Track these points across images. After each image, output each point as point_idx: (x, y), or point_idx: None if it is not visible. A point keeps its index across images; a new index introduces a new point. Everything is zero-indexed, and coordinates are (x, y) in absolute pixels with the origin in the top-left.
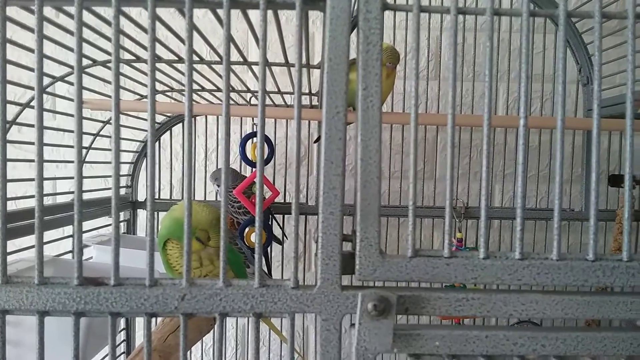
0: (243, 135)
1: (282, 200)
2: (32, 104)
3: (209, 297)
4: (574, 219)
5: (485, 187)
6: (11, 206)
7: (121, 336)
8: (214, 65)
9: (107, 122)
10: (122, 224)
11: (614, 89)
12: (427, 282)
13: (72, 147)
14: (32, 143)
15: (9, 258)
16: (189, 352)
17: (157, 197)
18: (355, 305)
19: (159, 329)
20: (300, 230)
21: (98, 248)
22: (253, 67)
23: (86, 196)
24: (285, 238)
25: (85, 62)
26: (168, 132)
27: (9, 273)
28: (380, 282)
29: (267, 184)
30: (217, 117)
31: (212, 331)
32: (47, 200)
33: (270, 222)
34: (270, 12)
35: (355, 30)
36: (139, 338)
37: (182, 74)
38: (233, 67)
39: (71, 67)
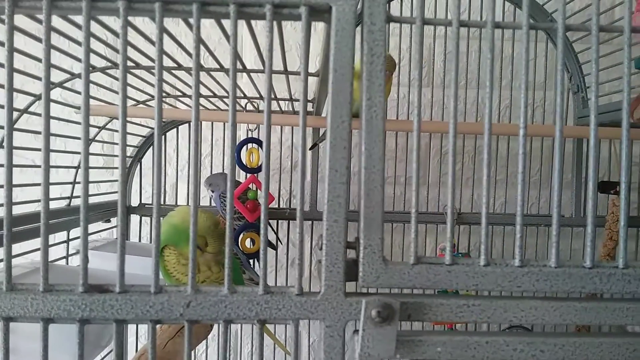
0: (238, 141)
1: (276, 206)
2: (36, 110)
3: (214, 304)
4: (564, 225)
5: (485, 196)
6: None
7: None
8: (212, 72)
9: (103, 127)
10: (114, 229)
11: (603, 97)
12: (429, 288)
13: (63, 152)
14: (25, 148)
15: (1, 265)
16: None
17: (149, 202)
18: (359, 311)
19: (157, 335)
20: (295, 235)
21: (92, 254)
22: (252, 74)
23: (77, 202)
24: (279, 243)
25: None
26: (162, 137)
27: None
28: (383, 289)
29: (261, 189)
30: (212, 123)
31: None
32: (38, 207)
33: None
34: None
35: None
36: (131, 344)
37: (180, 80)
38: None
39: (67, 72)
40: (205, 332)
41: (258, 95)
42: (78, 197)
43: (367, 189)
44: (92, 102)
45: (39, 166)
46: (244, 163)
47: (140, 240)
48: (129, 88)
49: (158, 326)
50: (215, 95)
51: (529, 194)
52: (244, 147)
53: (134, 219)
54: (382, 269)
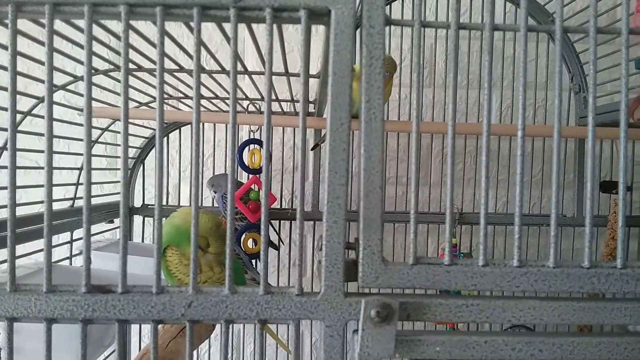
0: (240, 142)
1: (278, 206)
2: (40, 113)
3: (215, 304)
4: (566, 224)
5: (484, 197)
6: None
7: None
8: (213, 74)
9: (106, 129)
10: (117, 229)
11: (605, 96)
12: (428, 289)
13: (66, 153)
14: (29, 150)
15: (3, 266)
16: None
17: (152, 203)
18: (358, 311)
19: (160, 335)
20: (296, 235)
21: (94, 254)
22: (253, 76)
23: (80, 202)
24: (281, 243)
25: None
26: (165, 138)
27: (3, 280)
28: (382, 289)
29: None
30: (214, 124)
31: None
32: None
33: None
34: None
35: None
36: (135, 343)
37: (182, 82)
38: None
39: (70, 74)
40: (208, 332)
41: (260, 97)
42: (81, 198)
43: (366, 190)
44: (94, 104)
45: (42, 167)
46: (246, 164)
47: (143, 241)
48: (131, 90)
49: (160, 326)
50: (217, 97)
51: (530, 193)
52: (246, 148)
53: (137, 219)
54: (381, 269)
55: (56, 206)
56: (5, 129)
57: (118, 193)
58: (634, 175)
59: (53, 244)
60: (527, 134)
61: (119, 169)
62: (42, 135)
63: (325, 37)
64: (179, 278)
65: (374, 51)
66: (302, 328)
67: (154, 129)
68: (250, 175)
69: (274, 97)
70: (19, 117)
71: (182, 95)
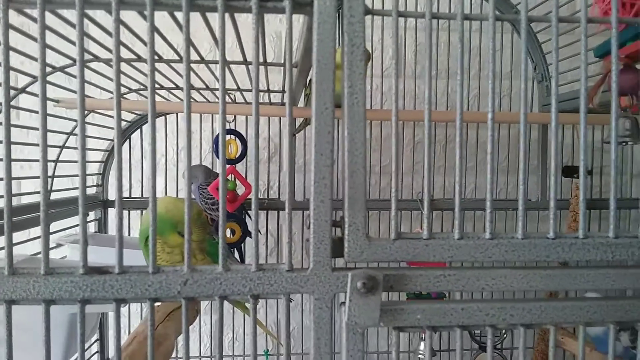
0: (216, 134)
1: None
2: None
3: (209, 281)
4: (531, 208)
5: (458, 183)
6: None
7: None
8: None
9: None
10: (92, 222)
11: (566, 85)
12: (409, 261)
13: (38, 145)
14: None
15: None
16: (176, 341)
17: (127, 195)
18: (345, 284)
19: (148, 319)
20: (273, 225)
21: (72, 247)
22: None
23: (55, 195)
24: (259, 233)
25: (60, 60)
26: (138, 130)
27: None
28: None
29: (240, 179)
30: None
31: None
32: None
33: (243, 217)
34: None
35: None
36: (124, 327)
37: (160, 72)
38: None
39: (50, 65)
40: (193, 316)
41: (235, 87)
42: (58, 190)
43: (350, 171)
44: (69, 95)
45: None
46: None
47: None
48: (105, 80)
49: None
50: (194, 88)
51: (497, 179)
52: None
53: (112, 212)
54: (365, 244)
55: (31, 199)
56: None
57: (92, 185)
58: (594, 160)
59: (23, 239)
60: (495, 120)
61: (93, 161)
62: (18, 127)
63: (306, 26)
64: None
65: (355, 39)
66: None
67: (128, 121)
68: (227, 166)
69: (250, 87)
70: None
71: (157, 87)
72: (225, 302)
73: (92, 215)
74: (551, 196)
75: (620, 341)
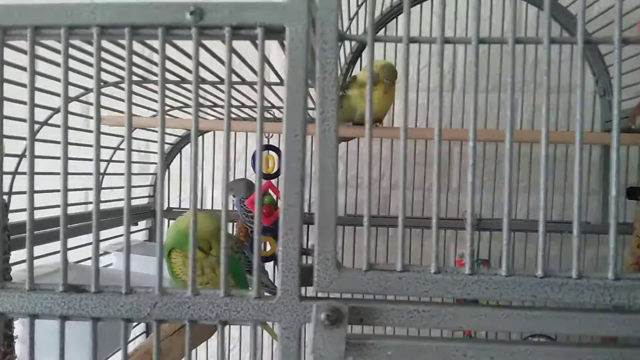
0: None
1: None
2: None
3: (177, 305)
4: (590, 232)
5: (436, 199)
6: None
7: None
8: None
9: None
10: (144, 231)
11: (632, 100)
12: (380, 294)
13: (83, 159)
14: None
15: (23, 266)
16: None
17: (179, 206)
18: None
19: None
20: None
21: (118, 255)
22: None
23: (106, 206)
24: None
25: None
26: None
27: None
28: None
29: (277, 194)
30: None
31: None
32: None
33: None
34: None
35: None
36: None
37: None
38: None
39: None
40: (209, 333)
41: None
42: (107, 201)
43: (320, 199)
44: (107, 113)
45: (57, 173)
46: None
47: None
48: (148, 100)
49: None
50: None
51: (553, 199)
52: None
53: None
54: (335, 274)
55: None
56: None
57: (145, 196)
58: None
59: (78, 244)
60: (551, 141)
61: (148, 174)
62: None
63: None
64: (182, 279)
65: (327, 65)
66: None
67: (179, 136)
68: (264, 181)
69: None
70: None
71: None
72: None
73: (143, 224)
74: (540, 224)
75: None
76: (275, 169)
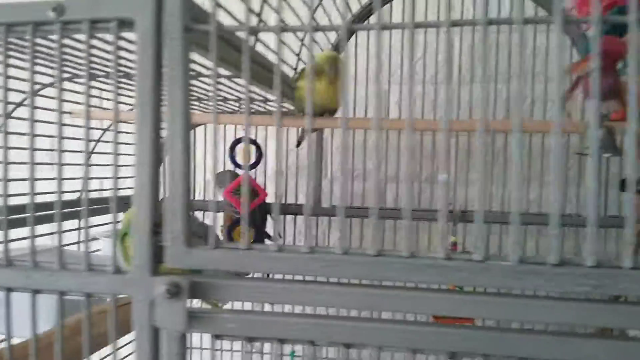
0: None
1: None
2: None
3: (46, 277)
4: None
5: (407, 192)
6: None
7: None
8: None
9: (107, 129)
10: None
11: None
12: (231, 270)
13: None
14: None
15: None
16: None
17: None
18: None
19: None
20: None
21: (106, 241)
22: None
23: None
24: (279, 236)
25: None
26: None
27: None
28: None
29: (255, 185)
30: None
31: None
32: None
33: (263, 221)
34: None
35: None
36: None
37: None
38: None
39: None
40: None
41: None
42: (94, 190)
43: (171, 182)
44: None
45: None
46: (238, 161)
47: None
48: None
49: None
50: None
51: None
52: (237, 146)
53: None
54: (185, 252)
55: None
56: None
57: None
58: None
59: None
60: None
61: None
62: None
63: None
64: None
65: (174, 56)
66: None
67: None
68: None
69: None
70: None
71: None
72: None
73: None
74: (514, 212)
75: None
76: (253, 161)
